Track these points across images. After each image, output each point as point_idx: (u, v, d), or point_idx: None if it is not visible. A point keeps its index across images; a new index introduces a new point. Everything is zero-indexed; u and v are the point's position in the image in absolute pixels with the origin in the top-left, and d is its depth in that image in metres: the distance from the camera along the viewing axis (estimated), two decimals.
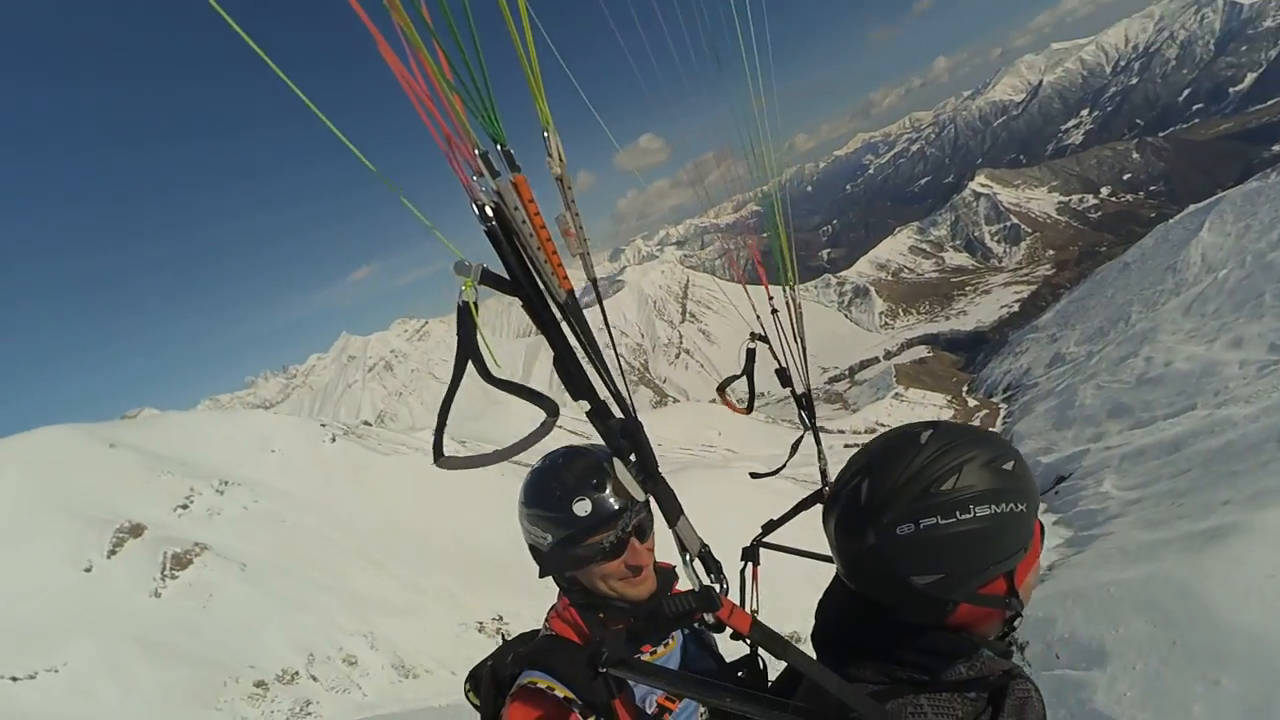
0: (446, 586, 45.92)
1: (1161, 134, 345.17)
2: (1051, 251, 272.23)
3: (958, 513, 1.17)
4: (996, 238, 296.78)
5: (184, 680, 32.94)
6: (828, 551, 1.40)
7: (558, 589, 1.85)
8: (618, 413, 1.06)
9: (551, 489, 1.71)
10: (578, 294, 1.07)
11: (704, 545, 1.35)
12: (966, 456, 1.21)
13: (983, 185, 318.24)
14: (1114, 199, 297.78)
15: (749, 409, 2.37)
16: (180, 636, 36.36)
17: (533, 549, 1.79)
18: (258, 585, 41.85)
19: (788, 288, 2.45)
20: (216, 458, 56.25)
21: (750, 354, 2.38)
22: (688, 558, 1.33)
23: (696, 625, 1.45)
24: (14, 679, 31.06)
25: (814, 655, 1.31)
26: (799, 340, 2.43)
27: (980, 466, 1.20)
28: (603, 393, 1.04)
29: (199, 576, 41.68)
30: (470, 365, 0.99)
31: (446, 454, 1.01)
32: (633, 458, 1.08)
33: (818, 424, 2.60)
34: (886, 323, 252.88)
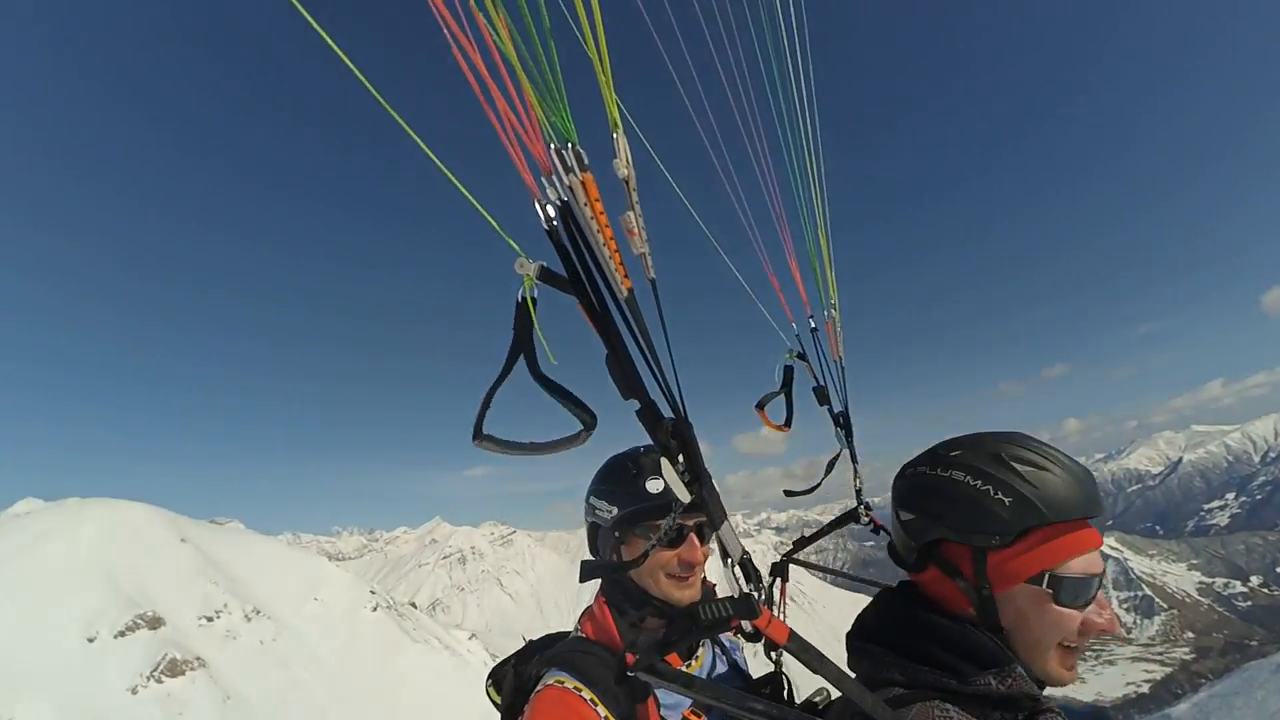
0: None
1: None
2: (1191, 634, 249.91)
3: (939, 469, 1.35)
4: (1126, 606, 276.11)
5: None
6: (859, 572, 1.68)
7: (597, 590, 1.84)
8: (668, 413, 1.03)
9: (627, 468, 1.76)
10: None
11: (745, 553, 1.33)
12: (989, 439, 1.36)
13: (1113, 548, 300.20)
14: (1265, 590, 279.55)
15: (787, 424, 2.28)
16: None
17: (591, 530, 1.84)
18: None
19: (828, 307, 2.43)
20: (263, 586, 55.34)
21: (789, 371, 2.31)
22: (729, 562, 1.31)
23: (733, 634, 1.40)
24: None
25: (846, 654, 1.39)
26: (839, 359, 2.42)
27: (988, 451, 1.32)
28: (654, 393, 1.01)
29: (183, 690, 38.25)
30: (523, 360, 1.00)
31: (485, 434, 1.01)
32: (680, 459, 1.05)
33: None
34: None
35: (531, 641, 1.92)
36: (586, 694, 1.51)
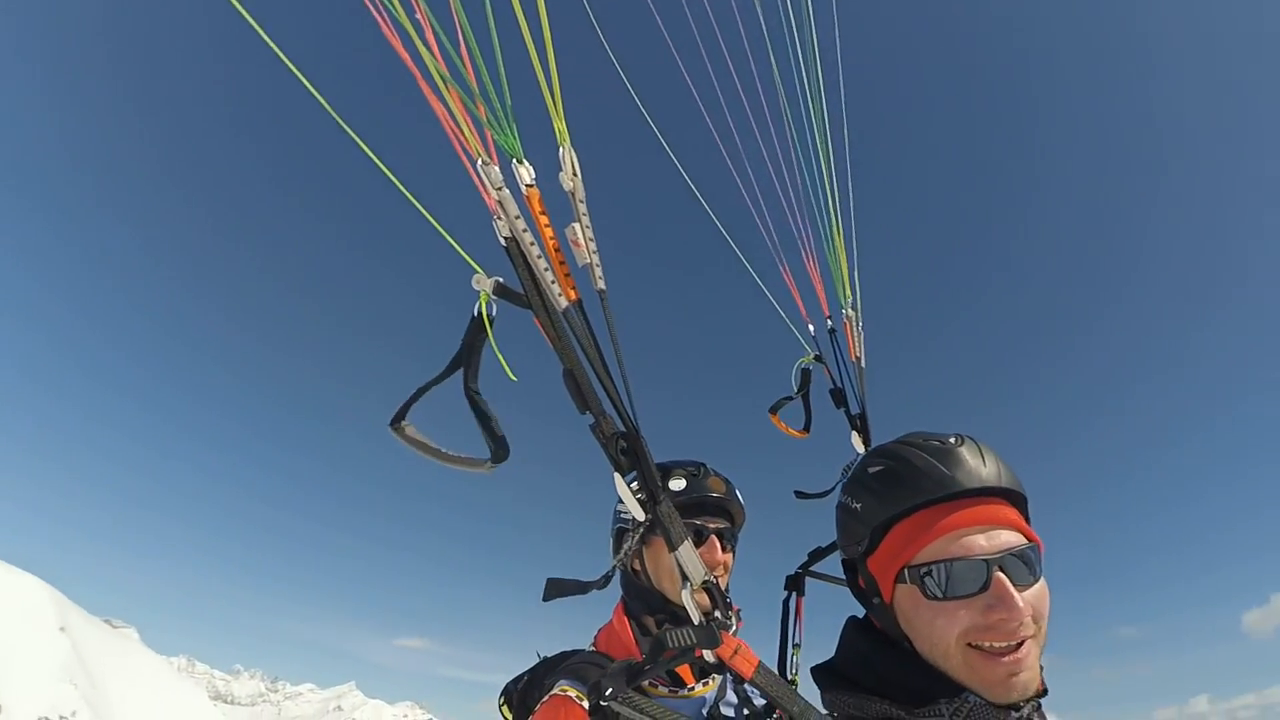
0: None
1: None
2: None
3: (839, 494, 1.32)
4: None
5: None
6: None
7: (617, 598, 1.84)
8: (620, 427, 1.02)
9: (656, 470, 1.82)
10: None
11: (710, 577, 1.15)
12: (870, 451, 1.37)
13: None
14: None
15: (807, 429, 2.21)
16: None
17: (617, 536, 1.87)
18: None
19: (846, 308, 2.35)
20: (124, 705, 49.34)
21: (806, 374, 2.25)
22: (688, 586, 1.14)
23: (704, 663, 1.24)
24: None
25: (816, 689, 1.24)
26: (858, 360, 2.30)
27: (860, 461, 1.35)
28: (606, 408, 1.01)
29: None
30: (462, 372, 1.01)
31: (405, 424, 1.03)
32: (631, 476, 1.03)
33: None
34: None
35: (547, 658, 1.87)
36: (574, 694, 1.53)
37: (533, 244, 0.99)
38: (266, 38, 0.99)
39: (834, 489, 2.26)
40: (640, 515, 1.07)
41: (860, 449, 2.31)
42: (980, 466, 1.15)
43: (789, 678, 1.90)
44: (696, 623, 1.14)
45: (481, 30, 1.00)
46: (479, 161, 0.98)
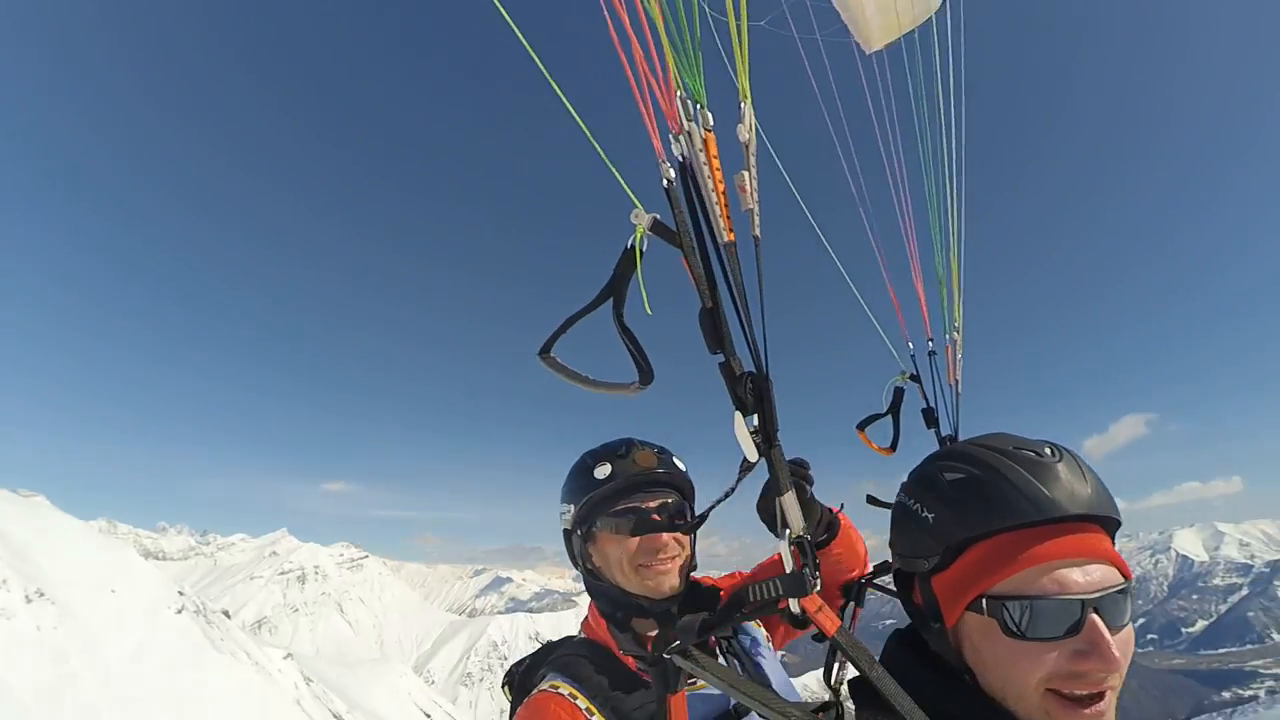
0: None
1: None
2: None
3: (898, 493, 1.21)
4: None
5: None
6: None
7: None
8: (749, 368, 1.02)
9: (583, 462, 1.71)
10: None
11: (804, 534, 1.09)
12: (940, 452, 1.18)
13: None
14: None
15: (893, 448, 2.17)
16: None
17: (566, 541, 1.78)
18: None
19: (951, 332, 2.36)
20: (55, 569, 49.89)
21: (899, 392, 2.23)
22: (787, 534, 1.09)
23: (781, 614, 1.16)
24: None
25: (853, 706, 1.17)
26: (955, 383, 2.32)
27: (933, 460, 1.16)
28: (740, 350, 1.03)
29: None
30: (612, 301, 1.07)
31: (552, 353, 1.10)
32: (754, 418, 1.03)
33: None
34: None
35: (550, 643, 1.86)
36: (582, 701, 1.50)
37: (712, 187, 1.04)
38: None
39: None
40: (752, 456, 1.04)
41: None
42: (1081, 488, 1.01)
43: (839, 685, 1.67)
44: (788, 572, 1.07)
45: None
46: (678, 94, 1.04)
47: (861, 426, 2.23)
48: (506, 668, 1.91)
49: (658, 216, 1.05)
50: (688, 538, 1.71)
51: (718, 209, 1.05)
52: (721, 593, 1.76)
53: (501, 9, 1.07)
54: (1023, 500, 1.00)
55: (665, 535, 1.64)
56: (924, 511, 1.11)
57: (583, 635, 1.77)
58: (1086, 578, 0.97)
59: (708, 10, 1.11)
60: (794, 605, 1.07)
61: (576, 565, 1.80)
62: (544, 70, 1.08)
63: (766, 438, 1.03)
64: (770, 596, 1.09)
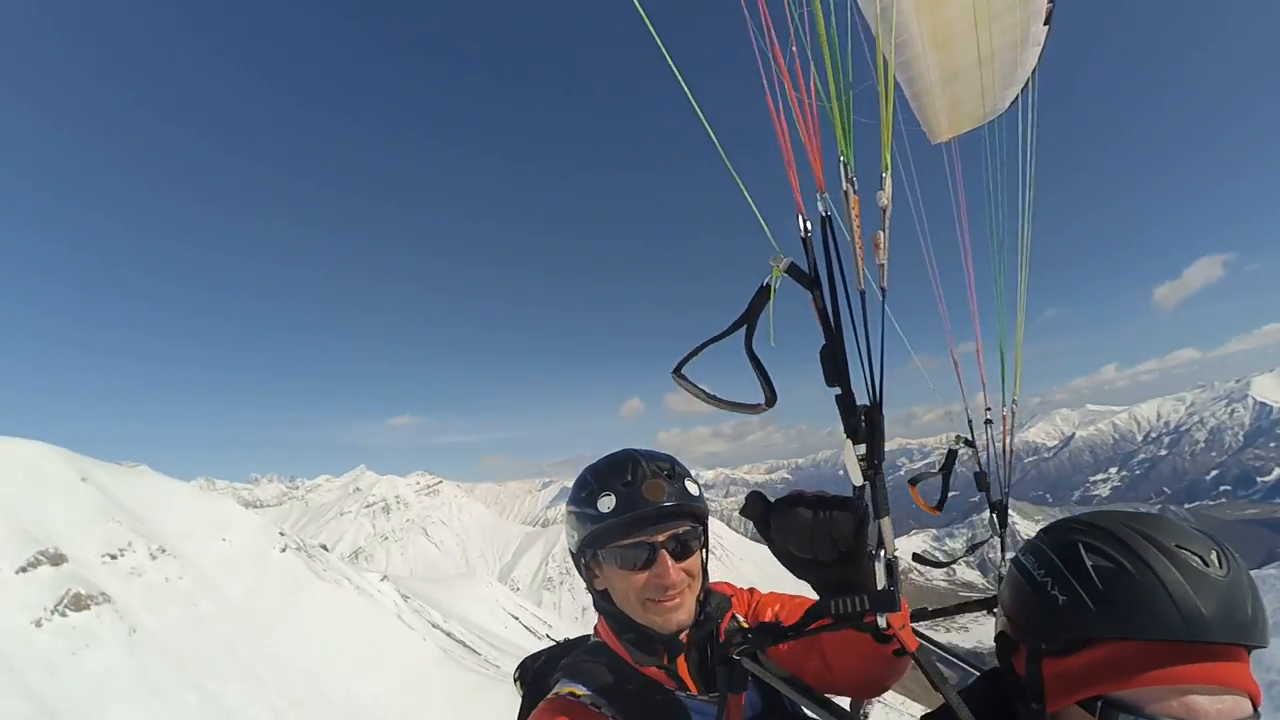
0: None
1: (1187, 505, 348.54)
2: None
3: (1021, 552, 1.14)
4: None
5: (11, 711, 30.17)
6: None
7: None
8: (863, 400, 1.13)
9: (586, 482, 1.58)
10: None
11: (895, 554, 1.13)
12: (1106, 519, 1.07)
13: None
14: None
15: (939, 508, 2.19)
16: (37, 672, 34.27)
17: (575, 562, 1.68)
18: (134, 656, 39.55)
19: (1011, 399, 2.45)
20: (170, 526, 55.95)
21: (951, 455, 2.29)
22: (882, 554, 1.12)
23: (864, 628, 1.15)
24: None
25: None
26: (1008, 452, 2.40)
27: (1076, 534, 1.06)
28: (856, 385, 1.13)
29: (86, 624, 39.93)
30: (744, 330, 1.19)
31: (684, 371, 1.23)
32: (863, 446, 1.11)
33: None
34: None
35: (568, 640, 1.83)
36: (588, 699, 1.48)
37: (856, 240, 1.22)
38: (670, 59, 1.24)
39: (954, 561, 2.39)
40: (858, 480, 1.12)
41: (995, 528, 2.45)
42: (1241, 613, 0.92)
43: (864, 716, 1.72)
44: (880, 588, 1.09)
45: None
46: (841, 161, 1.23)
47: (913, 483, 2.24)
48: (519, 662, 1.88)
49: (794, 261, 1.18)
50: (699, 565, 1.60)
51: (858, 259, 1.21)
52: (734, 600, 1.75)
53: (690, 97, 1.26)
54: (1175, 615, 0.91)
55: (673, 573, 1.51)
56: (1053, 589, 1.02)
57: (597, 639, 1.69)
58: (1217, 707, 0.90)
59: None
60: (882, 620, 1.11)
61: (584, 581, 1.71)
62: (718, 145, 1.27)
63: (872, 465, 1.12)
64: (857, 610, 1.10)
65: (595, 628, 1.72)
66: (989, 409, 2.50)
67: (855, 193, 1.21)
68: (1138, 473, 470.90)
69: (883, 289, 1.24)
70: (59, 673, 34.68)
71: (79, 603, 37.01)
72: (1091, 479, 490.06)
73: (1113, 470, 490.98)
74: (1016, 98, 2.67)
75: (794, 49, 1.28)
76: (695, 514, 1.61)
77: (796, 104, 1.24)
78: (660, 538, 1.52)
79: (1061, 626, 1.00)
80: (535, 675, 1.76)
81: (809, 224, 1.20)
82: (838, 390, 1.13)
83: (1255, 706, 0.93)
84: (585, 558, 1.62)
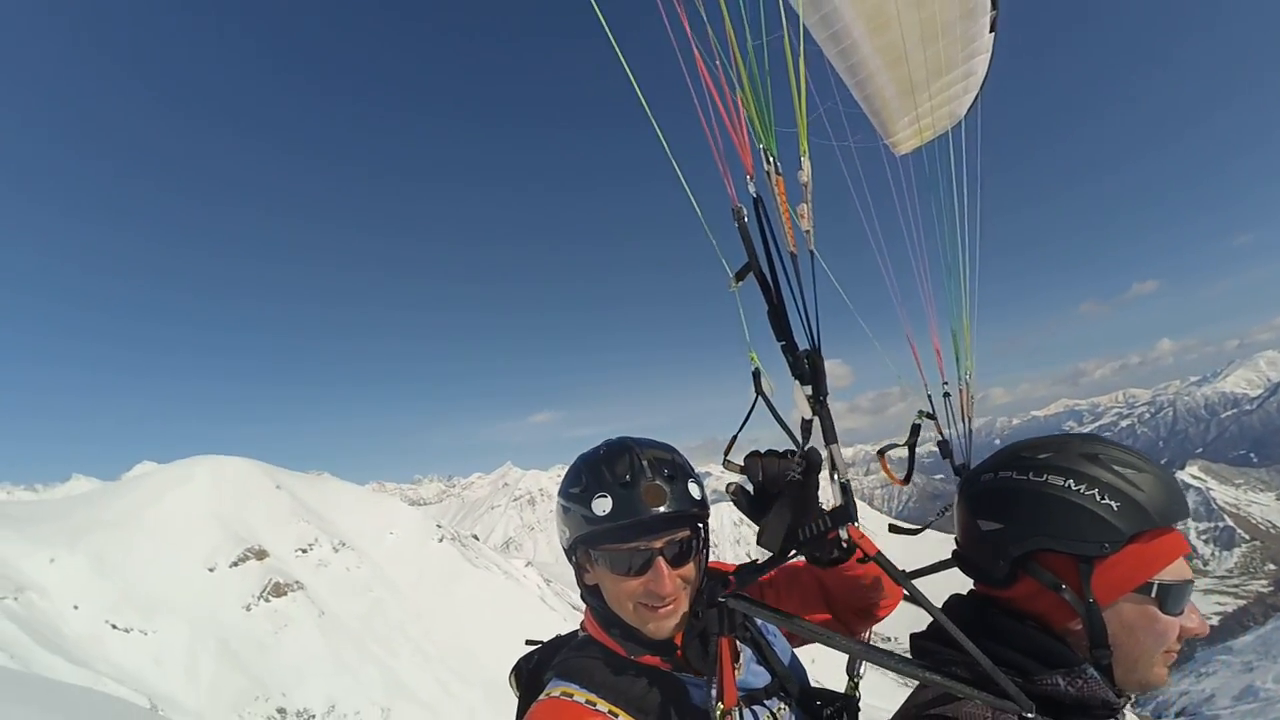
0: (470, 700, 46.22)
1: None
2: (1272, 566, 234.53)
3: (1031, 474, 1.26)
4: (1204, 537, 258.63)
5: (231, 682, 36.95)
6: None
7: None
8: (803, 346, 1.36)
9: (580, 477, 1.50)
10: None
11: (847, 479, 1.35)
12: (1075, 440, 1.29)
13: (1195, 477, 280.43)
14: None
15: (907, 480, 2.27)
16: (248, 647, 41.49)
17: (568, 557, 1.62)
18: (324, 634, 46.31)
19: (964, 375, 2.68)
20: (348, 524, 64.61)
21: (915, 428, 2.43)
22: (834, 478, 1.33)
23: (831, 542, 1.37)
24: (114, 626, 37.86)
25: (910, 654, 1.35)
26: (966, 420, 2.63)
27: (1081, 453, 1.25)
28: (798, 334, 1.38)
29: (285, 608, 47.37)
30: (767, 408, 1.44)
31: (728, 458, 1.47)
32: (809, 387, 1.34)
33: None
34: None
35: (558, 638, 1.79)
36: (582, 697, 1.42)
37: (783, 216, 1.42)
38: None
39: (928, 526, 2.37)
40: (808, 415, 1.30)
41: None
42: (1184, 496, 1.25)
43: (857, 678, 1.71)
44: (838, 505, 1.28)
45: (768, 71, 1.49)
46: (761, 146, 1.43)
47: (882, 454, 2.37)
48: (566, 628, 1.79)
49: (733, 272, 1.42)
50: (696, 570, 1.52)
51: (785, 229, 1.42)
52: (730, 576, 1.63)
53: (633, 81, 1.46)
54: (1181, 502, 1.23)
55: (669, 582, 1.43)
56: (1104, 498, 1.19)
57: (585, 634, 1.62)
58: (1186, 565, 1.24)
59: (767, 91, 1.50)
60: (843, 533, 1.30)
61: (574, 574, 1.66)
62: (660, 134, 1.41)
63: (818, 399, 1.32)
64: (821, 530, 1.29)
65: (582, 622, 1.68)
66: (946, 382, 2.65)
67: (779, 174, 1.42)
68: None
69: (811, 252, 1.44)
70: (266, 649, 41.30)
71: (279, 590, 43.76)
72: None
73: None
74: (974, 102, 2.80)
75: (714, 46, 1.44)
76: (696, 519, 1.52)
77: (720, 101, 1.41)
78: (658, 544, 1.43)
79: (1124, 528, 1.18)
80: (529, 676, 1.69)
81: (744, 207, 1.40)
82: (782, 342, 1.35)
83: None
84: (577, 554, 1.55)
